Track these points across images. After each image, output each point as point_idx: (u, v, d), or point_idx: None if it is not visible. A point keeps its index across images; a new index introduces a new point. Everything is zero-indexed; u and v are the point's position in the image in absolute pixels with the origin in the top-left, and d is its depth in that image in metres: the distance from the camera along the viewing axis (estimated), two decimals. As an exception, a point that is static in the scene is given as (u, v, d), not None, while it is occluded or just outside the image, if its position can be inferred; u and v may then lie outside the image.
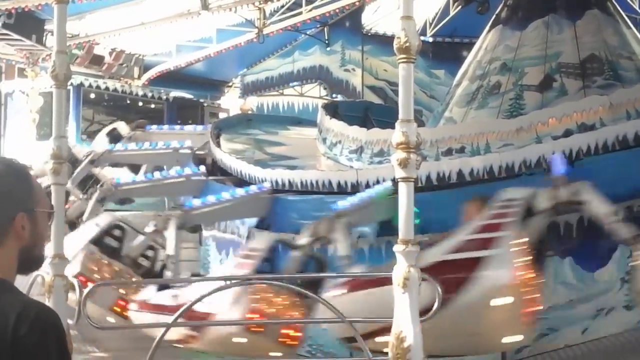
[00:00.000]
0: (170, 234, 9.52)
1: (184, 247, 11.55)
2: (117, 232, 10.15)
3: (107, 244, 9.99)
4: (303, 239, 8.45)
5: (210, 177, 12.38)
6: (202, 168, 12.53)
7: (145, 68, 20.11)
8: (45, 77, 15.68)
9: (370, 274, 7.83)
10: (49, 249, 5.53)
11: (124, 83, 20.34)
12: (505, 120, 12.06)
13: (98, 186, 12.13)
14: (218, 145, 13.87)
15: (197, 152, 13.81)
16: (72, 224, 11.49)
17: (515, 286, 6.69)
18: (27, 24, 15.95)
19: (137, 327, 8.51)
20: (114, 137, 15.78)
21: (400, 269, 4.85)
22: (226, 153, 13.29)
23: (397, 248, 4.89)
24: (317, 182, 10.96)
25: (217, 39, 19.26)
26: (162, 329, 6.38)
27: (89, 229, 10.24)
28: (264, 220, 10.85)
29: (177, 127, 16.23)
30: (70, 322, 5.93)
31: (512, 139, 10.91)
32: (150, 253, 10.01)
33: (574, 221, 8.21)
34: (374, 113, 15.68)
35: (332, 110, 14.91)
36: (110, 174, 13.80)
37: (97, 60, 19.02)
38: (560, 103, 11.95)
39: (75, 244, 9.56)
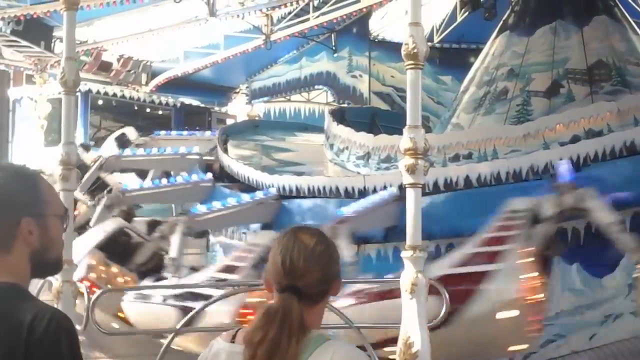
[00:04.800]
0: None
1: (190, 253, 11.44)
2: None
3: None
4: None
5: (219, 184, 12.34)
6: (209, 175, 12.52)
7: (153, 74, 20.14)
8: (53, 84, 15.73)
9: (379, 280, 7.83)
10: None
11: (132, 89, 20.39)
12: (513, 127, 12.05)
13: (106, 192, 12.12)
14: (225, 151, 13.89)
15: (205, 158, 13.84)
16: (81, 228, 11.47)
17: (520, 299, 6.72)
18: (36, 31, 16.00)
19: (145, 333, 8.51)
20: (123, 142, 15.69)
21: (408, 275, 4.85)
22: (233, 159, 13.31)
23: (405, 254, 4.89)
24: (324, 188, 10.97)
25: (224, 46, 19.29)
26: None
27: None
28: None
29: (186, 132, 16.37)
30: (78, 328, 5.94)
31: (520, 145, 10.90)
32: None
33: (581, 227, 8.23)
34: (380, 119, 15.70)
35: (339, 116, 14.93)
36: (117, 180, 13.78)
37: (105, 67, 19.07)
38: (567, 109, 11.94)
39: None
